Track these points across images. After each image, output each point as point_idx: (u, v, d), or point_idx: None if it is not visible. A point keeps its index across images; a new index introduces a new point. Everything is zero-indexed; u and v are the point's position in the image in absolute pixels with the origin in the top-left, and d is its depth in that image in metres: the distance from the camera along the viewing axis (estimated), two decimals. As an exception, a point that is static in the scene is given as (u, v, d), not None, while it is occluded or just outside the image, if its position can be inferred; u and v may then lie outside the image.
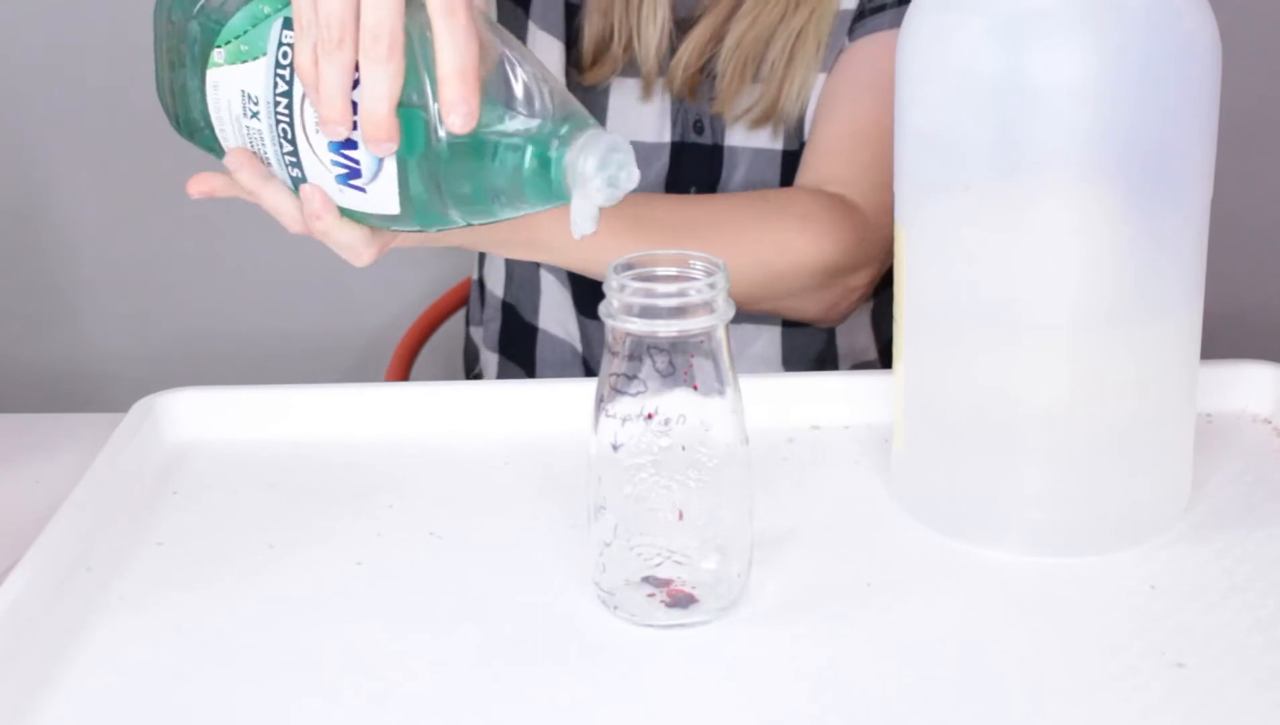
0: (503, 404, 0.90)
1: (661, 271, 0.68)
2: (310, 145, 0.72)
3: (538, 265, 1.18)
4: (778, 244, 0.99)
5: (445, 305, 1.53)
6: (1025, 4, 0.69)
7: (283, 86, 0.72)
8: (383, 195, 0.71)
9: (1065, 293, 0.71)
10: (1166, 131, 0.70)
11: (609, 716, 0.65)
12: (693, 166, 1.11)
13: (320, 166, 0.72)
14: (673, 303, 0.66)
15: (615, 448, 0.68)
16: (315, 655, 0.69)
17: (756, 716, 0.64)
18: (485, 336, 1.26)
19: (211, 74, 0.75)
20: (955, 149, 0.71)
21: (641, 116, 1.10)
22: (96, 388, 1.80)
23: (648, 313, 0.66)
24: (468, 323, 1.33)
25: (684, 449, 0.68)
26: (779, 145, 1.09)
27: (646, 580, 0.69)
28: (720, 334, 0.67)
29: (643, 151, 1.11)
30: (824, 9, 1.05)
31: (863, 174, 1.03)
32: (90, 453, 0.85)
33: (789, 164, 1.10)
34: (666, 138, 1.11)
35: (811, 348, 1.16)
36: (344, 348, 1.78)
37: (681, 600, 0.70)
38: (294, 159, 0.74)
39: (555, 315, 1.19)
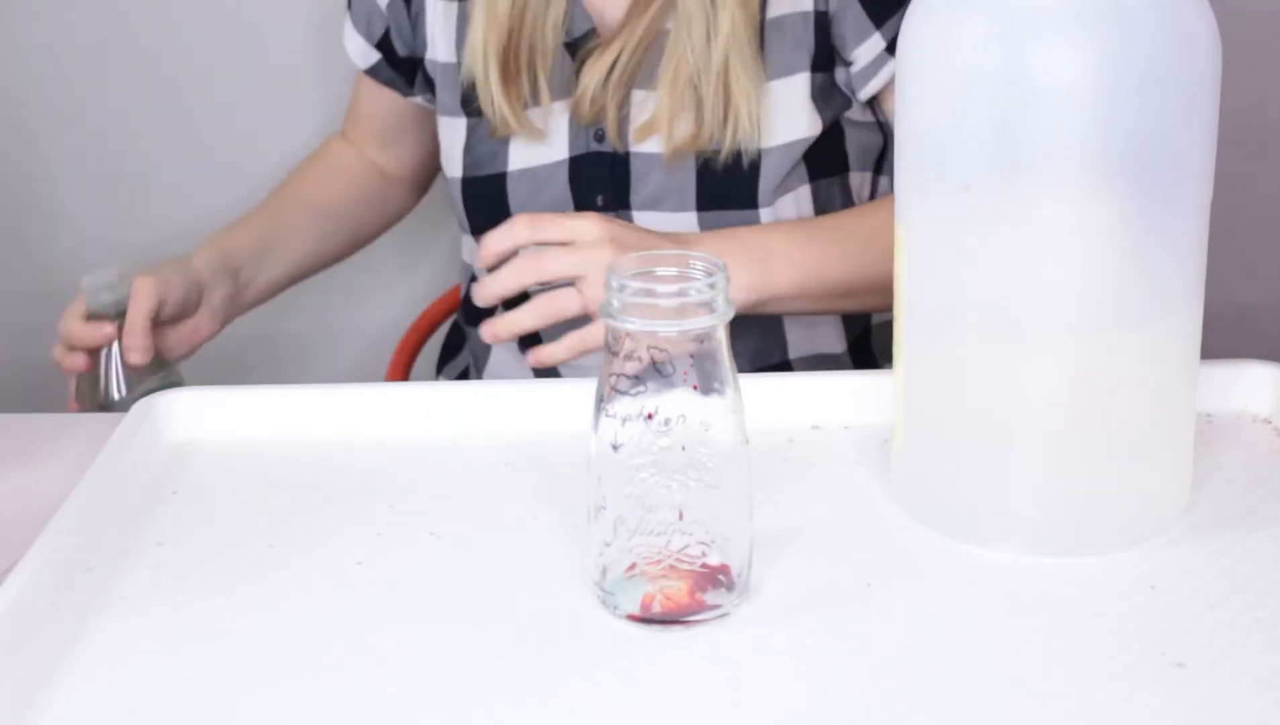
0: (503, 404, 0.90)
1: (662, 271, 0.68)
2: None
3: None
4: None
5: (445, 305, 1.53)
6: (1025, 4, 0.69)
7: None
8: None
9: (1065, 292, 0.71)
10: (1166, 131, 0.70)
11: (609, 716, 0.65)
12: (596, 176, 1.14)
13: None
14: (673, 303, 0.66)
15: (615, 448, 0.68)
16: (315, 655, 0.69)
17: (756, 716, 0.64)
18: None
19: None
20: (955, 149, 0.71)
21: (538, 140, 1.15)
22: (96, 388, 1.80)
23: (649, 313, 0.66)
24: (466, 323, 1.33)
25: (684, 449, 0.68)
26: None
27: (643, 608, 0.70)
28: (720, 334, 0.67)
29: (540, 175, 1.15)
30: (744, 30, 1.07)
31: None
32: (90, 453, 0.85)
33: (704, 165, 1.11)
34: (564, 154, 1.14)
35: (750, 344, 1.17)
36: (344, 348, 1.78)
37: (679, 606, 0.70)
38: None
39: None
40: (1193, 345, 0.76)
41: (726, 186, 1.12)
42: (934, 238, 0.74)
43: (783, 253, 1.05)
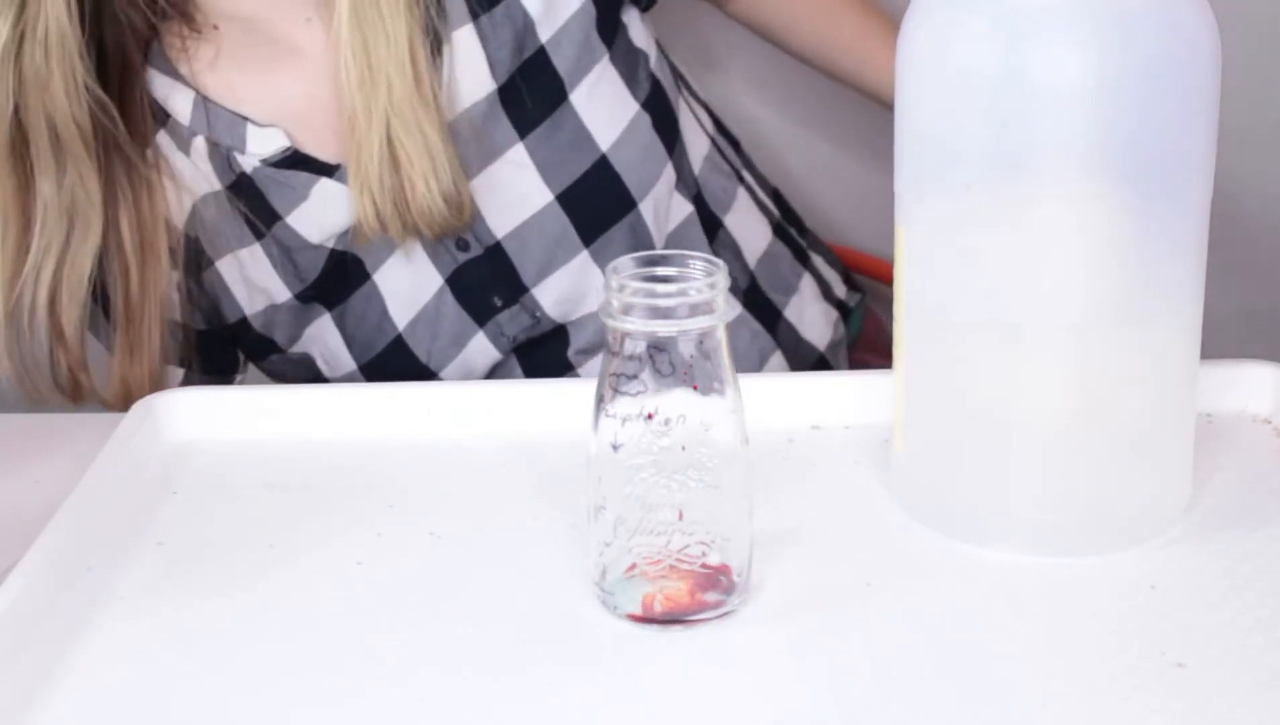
0: (503, 404, 0.90)
1: (661, 271, 0.68)
2: None
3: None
4: None
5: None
6: (1025, 3, 0.69)
7: None
8: None
9: (1065, 292, 0.71)
10: (1166, 131, 0.70)
11: (609, 716, 0.65)
12: (479, 281, 1.09)
13: None
14: (673, 303, 0.66)
15: (615, 448, 0.68)
16: (315, 655, 0.69)
17: (756, 716, 0.64)
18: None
19: None
20: (955, 149, 0.71)
21: (410, 283, 1.09)
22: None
23: (648, 313, 0.66)
24: None
25: (684, 449, 0.68)
26: (545, 197, 1.07)
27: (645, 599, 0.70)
28: (720, 334, 0.67)
29: (430, 313, 1.09)
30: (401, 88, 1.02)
31: None
32: (90, 453, 0.85)
33: (568, 203, 1.08)
34: (439, 280, 1.09)
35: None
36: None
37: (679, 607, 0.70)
38: None
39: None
40: (1193, 345, 0.76)
41: (596, 208, 1.08)
42: (934, 238, 0.74)
43: None
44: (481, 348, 1.11)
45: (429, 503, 0.82)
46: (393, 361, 1.11)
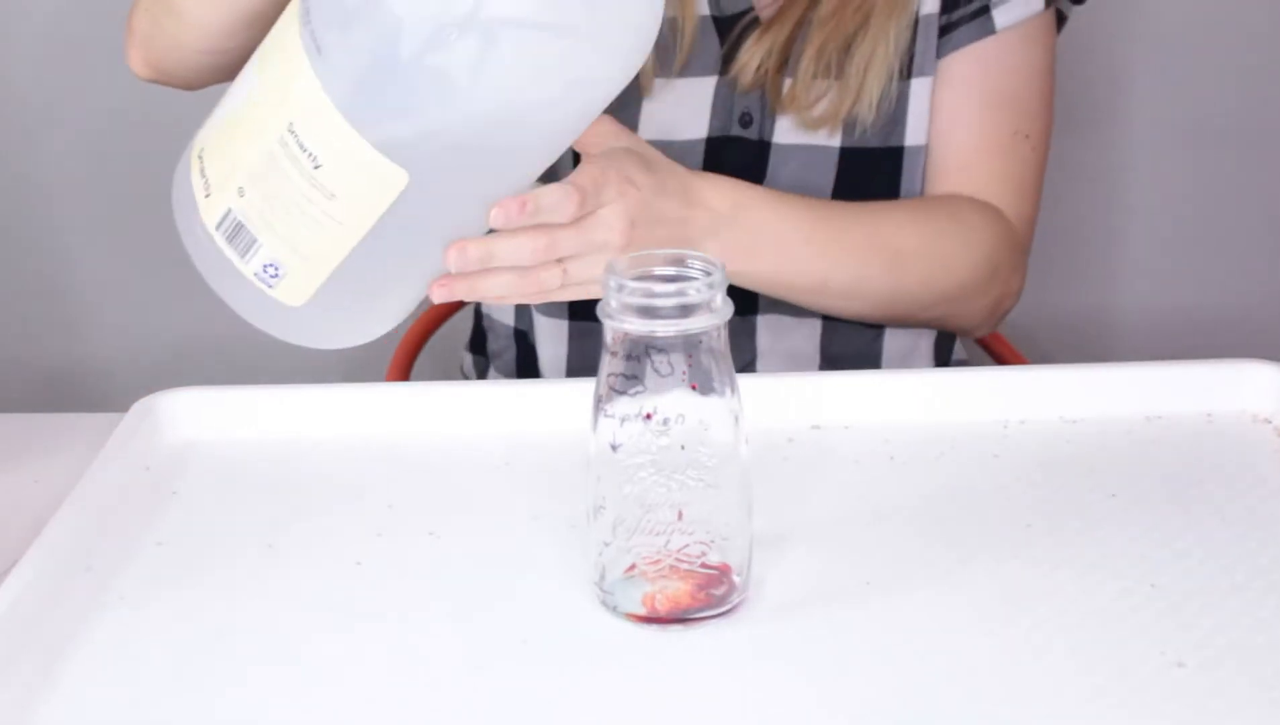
0: (503, 404, 0.90)
1: (660, 271, 0.68)
2: None
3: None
4: (953, 254, 1.06)
5: (446, 305, 1.53)
6: None
7: None
8: None
9: None
10: None
11: (609, 716, 0.65)
12: (734, 161, 1.10)
13: None
14: (672, 302, 0.66)
15: (614, 447, 0.68)
16: (315, 655, 0.69)
17: (757, 716, 0.64)
18: (500, 366, 1.25)
19: None
20: None
21: (676, 111, 1.10)
22: (96, 388, 1.80)
23: (647, 313, 0.66)
24: (470, 350, 1.31)
25: (683, 449, 0.68)
26: (836, 142, 1.10)
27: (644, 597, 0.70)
28: (719, 333, 0.67)
29: (675, 152, 1.09)
30: (903, 18, 1.06)
31: (1002, 184, 1.10)
32: (90, 453, 0.85)
33: (846, 161, 1.10)
34: (702, 133, 1.10)
35: (852, 345, 1.15)
36: (344, 348, 1.78)
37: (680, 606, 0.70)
38: None
39: (550, 344, 1.19)
40: None
41: (865, 186, 1.10)
42: None
43: (773, 238, 1.01)
44: None
45: (429, 503, 0.82)
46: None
